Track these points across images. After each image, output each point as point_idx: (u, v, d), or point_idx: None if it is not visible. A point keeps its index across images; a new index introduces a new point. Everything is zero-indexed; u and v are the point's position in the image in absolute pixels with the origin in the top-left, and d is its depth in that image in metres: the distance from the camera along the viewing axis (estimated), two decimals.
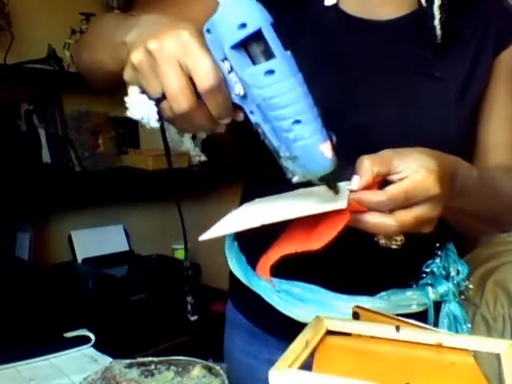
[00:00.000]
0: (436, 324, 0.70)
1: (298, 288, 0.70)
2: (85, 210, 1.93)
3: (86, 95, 1.88)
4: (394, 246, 0.53)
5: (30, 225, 1.68)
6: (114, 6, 1.89)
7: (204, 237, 0.48)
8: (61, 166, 1.77)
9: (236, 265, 0.80)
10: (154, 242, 2.08)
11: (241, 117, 0.49)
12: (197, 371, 0.71)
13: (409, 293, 0.70)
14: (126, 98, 0.48)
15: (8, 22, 1.61)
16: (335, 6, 0.70)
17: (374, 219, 0.49)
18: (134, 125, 2.10)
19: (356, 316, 0.56)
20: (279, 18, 0.68)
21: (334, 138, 0.46)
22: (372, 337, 0.52)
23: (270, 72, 0.43)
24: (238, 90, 0.46)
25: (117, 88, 0.63)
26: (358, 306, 0.57)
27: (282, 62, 0.43)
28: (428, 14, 0.65)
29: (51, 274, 1.75)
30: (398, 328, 0.51)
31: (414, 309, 0.70)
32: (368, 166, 0.49)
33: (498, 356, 0.49)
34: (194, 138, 2.26)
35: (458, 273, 0.71)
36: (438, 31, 0.65)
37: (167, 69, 0.45)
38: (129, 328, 1.63)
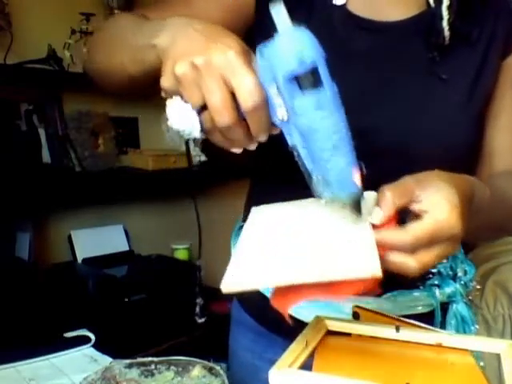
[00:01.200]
0: (443, 325, 0.69)
1: None
2: (85, 209, 1.93)
3: (86, 95, 1.88)
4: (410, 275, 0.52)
5: (29, 225, 1.68)
6: (114, 6, 1.89)
7: (226, 289, 0.44)
8: (61, 166, 1.77)
9: None
10: (154, 241, 2.08)
11: (277, 131, 0.49)
12: (197, 371, 0.71)
13: (415, 294, 0.69)
14: (167, 110, 0.49)
15: (8, 22, 1.61)
16: (343, 7, 0.70)
17: (395, 259, 0.47)
18: (134, 125, 2.10)
19: (356, 316, 0.56)
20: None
21: (364, 169, 0.48)
22: (372, 337, 0.52)
23: (320, 105, 0.44)
24: (281, 114, 0.47)
25: (133, 91, 0.62)
26: (358, 306, 0.57)
27: (332, 96, 0.44)
28: (436, 15, 0.65)
29: (51, 274, 1.75)
30: (397, 328, 0.51)
31: (421, 310, 0.69)
32: (390, 198, 0.48)
33: (498, 356, 0.49)
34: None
35: (465, 273, 0.70)
36: (447, 32, 0.65)
37: (212, 82, 0.45)
38: (129, 328, 1.62)
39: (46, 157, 1.76)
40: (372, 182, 0.68)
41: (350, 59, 0.68)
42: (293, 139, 0.48)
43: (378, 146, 0.63)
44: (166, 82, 0.49)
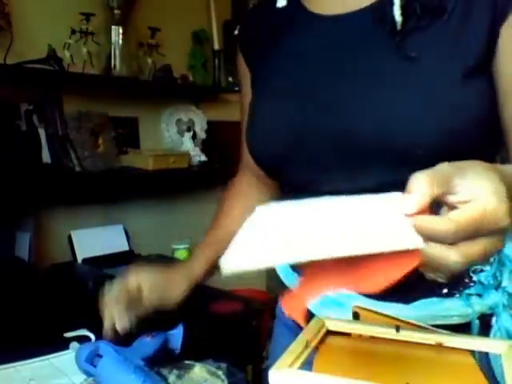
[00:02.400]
0: None
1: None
2: (85, 209, 1.93)
3: (86, 95, 1.88)
4: (441, 280, 0.45)
5: (30, 225, 1.68)
6: (114, 6, 1.89)
7: (227, 269, 0.39)
8: (61, 166, 1.77)
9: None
10: (154, 241, 2.08)
11: None
12: (197, 372, 0.71)
13: (448, 302, 0.64)
14: None
15: (8, 22, 1.61)
16: (301, 7, 0.72)
17: (434, 252, 0.40)
18: (134, 125, 2.10)
19: (356, 316, 0.56)
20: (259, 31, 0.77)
21: None
22: (372, 337, 0.52)
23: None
24: None
25: None
26: (358, 306, 0.57)
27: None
28: (387, 1, 0.63)
29: (51, 274, 1.75)
30: (397, 328, 0.51)
31: (456, 320, 0.63)
32: (425, 183, 0.40)
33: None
34: (194, 137, 2.26)
35: None
36: (398, 18, 0.61)
37: None
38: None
39: (45, 157, 1.76)
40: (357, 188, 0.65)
41: (313, 58, 0.68)
42: None
43: (354, 145, 0.62)
44: None
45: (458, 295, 0.65)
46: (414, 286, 0.65)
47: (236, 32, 0.86)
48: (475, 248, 0.41)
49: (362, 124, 0.62)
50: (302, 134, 0.66)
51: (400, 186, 0.48)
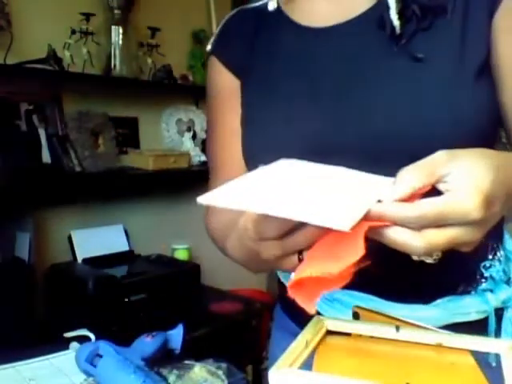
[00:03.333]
0: (498, 332, 0.66)
1: (348, 296, 0.66)
2: (85, 209, 1.93)
3: (86, 95, 1.88)
4: (428, 261, 0.46)
5: (29, 225, 1.68)
6: (114, 6, 1.89)
7: (202, 200, 0.44)
8: (61, 166, 1.77)
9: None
10: (154, 241, 2.08)
11: None
12: (197, 372, 0.71)
13: (467, 299, 0.65)
14: None
15: (8, 22, 1.61)
16: (292, 22, 0.71)
17: (397, 236, 0.42)
18: (134, 125, 2.10)
19: (356, 316, 0.56)
20: (254, 42, 0.74)
21: None
22: (372, 337, 0.52)
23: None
24: None
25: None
26: (357, 306, 0.57)
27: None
28: (383, 6, 0.62)
29: (51, 275, 1.75)
30: (397, 328, 0.51)
31: (475, 316, 0.65)
32: (410, 179, 0.42)
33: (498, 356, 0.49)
34: (194, 138, 2.26)
35: None
36: (396, 22, 0.61)
37: None
38: (129, 328, 1.63)
39: (45, 157, 1.76)
40: None
41: (317, 70, 0.67)
42: None
43: (375, 148, 0.61)
44: None
45: (473, 292, 0.66)
46: (431, 286, 0.65)
47: (209, 47, 0.80)
48: (440, 236, 0.42)
49: (382, 128, 0.62)
50: (322, 142, 0.64)
51: None
